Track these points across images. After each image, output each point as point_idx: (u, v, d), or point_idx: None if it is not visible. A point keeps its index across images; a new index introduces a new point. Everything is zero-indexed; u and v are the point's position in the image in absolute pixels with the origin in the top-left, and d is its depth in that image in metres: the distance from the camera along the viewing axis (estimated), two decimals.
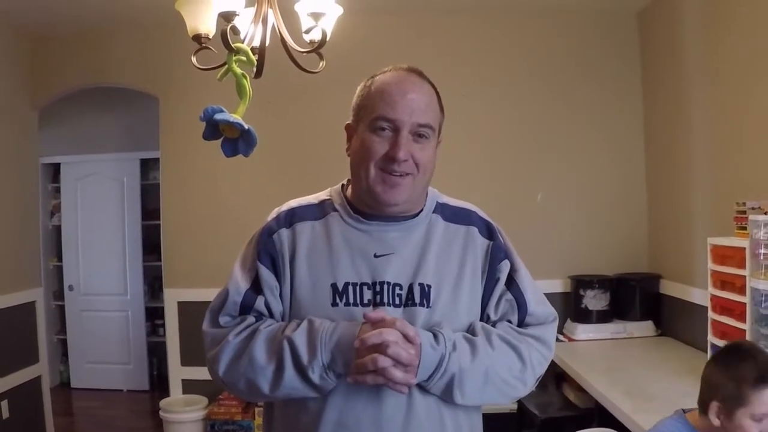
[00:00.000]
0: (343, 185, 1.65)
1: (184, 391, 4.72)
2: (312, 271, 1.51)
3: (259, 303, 1.52)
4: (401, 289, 1.49)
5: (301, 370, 1.40)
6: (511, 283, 1.60)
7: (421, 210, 1.59)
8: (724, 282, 2.99)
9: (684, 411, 1.99)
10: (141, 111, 5.96)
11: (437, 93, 1.57)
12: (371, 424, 1.44)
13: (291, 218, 1.58)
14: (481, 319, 1.58)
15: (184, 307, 4.68)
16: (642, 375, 3.42)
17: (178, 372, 4.75)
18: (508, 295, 1.59)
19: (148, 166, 6.55)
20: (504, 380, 1.50)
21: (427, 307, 1.49)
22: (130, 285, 6.56)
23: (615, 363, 3.74)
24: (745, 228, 2.81)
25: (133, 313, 6.56)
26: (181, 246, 4.74)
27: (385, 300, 1.48)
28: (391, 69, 1.56)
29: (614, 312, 4.41)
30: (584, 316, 4.36)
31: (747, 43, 3.36)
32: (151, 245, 6.51)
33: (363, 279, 1.49)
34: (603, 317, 4.36)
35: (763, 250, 2.56)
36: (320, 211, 1.59)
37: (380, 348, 1.35)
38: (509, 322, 1.59)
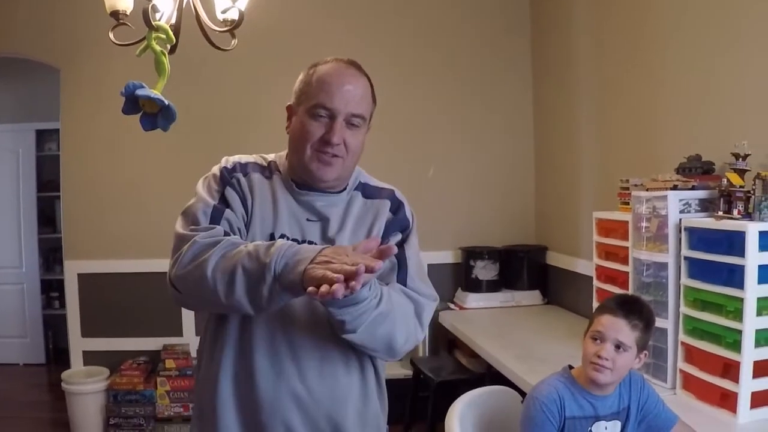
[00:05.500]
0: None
1: (85, 363, 4.70)
2: (259, 217, 1.67)
3: (228, 214, 1.63)
4: None
5: (254, 275, 1.44)
6: (400, 248, 1.71)
7: (346, 186, 1.78)
8: (608, 253, 3.21)
9: (570, 367, 2.18)
10: (37, 81, 5.85)
11: (371, 85, 1.76)
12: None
13: (245, 168, 1.74)
14: None
15: (84, 278, 4.65)
16: (531, 340, 3.62)
17: (78, 344, 4.72)
18: (393, 258, 1.67)
19: (43, 137, 6.40)
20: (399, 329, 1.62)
21: None
22: (26, 257, 6.42)
23: (505, 329, 3.94)
24: (628, 203, 3.04)
25: (28, 286, 6.44)
26: (81, 217, 4.69)
27: None
28: (333, 60, 1.73)
29: (503, 282, 4.65)
30: (474, 286, 4.59)
31: (630, 20, 3.56)
32: (46, 217, 6.42)
33: (294, 236, 1.66)
34: (492, 287, 4.60)
35: (644, 224, 2.77)
36: (268, 170, 1.76)
37: (350, 271, 1.34)
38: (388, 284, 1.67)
